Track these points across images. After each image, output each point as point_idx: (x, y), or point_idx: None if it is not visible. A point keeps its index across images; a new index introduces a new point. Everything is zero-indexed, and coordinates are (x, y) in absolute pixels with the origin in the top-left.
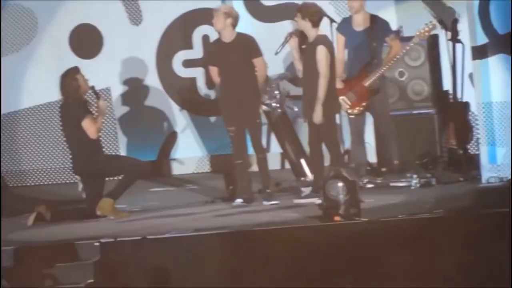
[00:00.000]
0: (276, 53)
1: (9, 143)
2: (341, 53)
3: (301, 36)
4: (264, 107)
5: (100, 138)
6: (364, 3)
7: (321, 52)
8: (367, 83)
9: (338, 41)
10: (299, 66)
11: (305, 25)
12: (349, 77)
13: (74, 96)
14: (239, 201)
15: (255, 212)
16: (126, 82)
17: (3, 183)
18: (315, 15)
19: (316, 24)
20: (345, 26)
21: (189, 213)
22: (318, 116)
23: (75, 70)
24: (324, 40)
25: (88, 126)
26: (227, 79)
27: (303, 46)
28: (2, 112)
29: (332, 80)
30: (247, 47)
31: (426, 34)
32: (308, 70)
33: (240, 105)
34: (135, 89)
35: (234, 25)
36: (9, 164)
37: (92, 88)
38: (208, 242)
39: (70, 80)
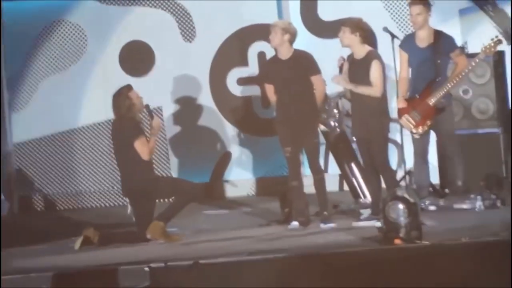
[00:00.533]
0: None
1: (56, 164)
2: (405, 71)
3: None
4: (322, 127)
5: (152, 159)
6: (428, 18)
7: (377, 67)
8: (432, 101)
9: (402, 58)
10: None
11: (354, 41)
12: (413, 96)
13: (127, 115)
14: (295, 224)
15: (312, 235)
16: (178, 101)
17: (52, 206)
18: (366, 30)
19: (365, 39)
20: (408, 42)
21: (243, 237)
22: (339, 80)
23: (128, 88)
24: (377, 55)
25: (141, 146)
26: (283, 98)
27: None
28: (49, 132)
29: (384, 98)
30: (305, 64)
31: (492, 50)
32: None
33: (297, 124)
34: (187, 108)
35: (291, 41)
36: (58, 186)
37: (147, 106)
38: (263, 266)
39: (123, 98)
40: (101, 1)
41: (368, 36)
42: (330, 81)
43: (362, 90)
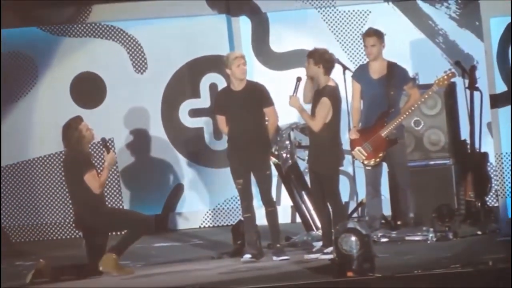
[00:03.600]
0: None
1: (10, 196)
2: (357, 102)
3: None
4: (273, 159)
5: (104, 192)
6: (381, 50)
7: (323, 104)
8: (384, 133)
9: (354, 89)
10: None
11: (317, 72)
12: (365, 127)
13: (77, 148)
14: (247, 256)
15: (265, 269)
16: (130, 132)
17: (6, 238)
18: (329, 62)
19: (328, 71)
20: (361, 73)
21: (194, 269)
22: (293, 101)
23: (77, 120)
24: (331, 93)
25: (91, 180)
26: (235, 129)
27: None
28: (4, 163)
29: (336, 132)
30: (258, 96)
31: (446, 82)
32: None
33: (249, 156)
34: (139, 140)
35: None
36: (11, 219)
37: (103, 139)
38: None
39: (72, 130)
40: (53, 33)
41: (331, 68)
42: (283, 112)
43: (304, 117)
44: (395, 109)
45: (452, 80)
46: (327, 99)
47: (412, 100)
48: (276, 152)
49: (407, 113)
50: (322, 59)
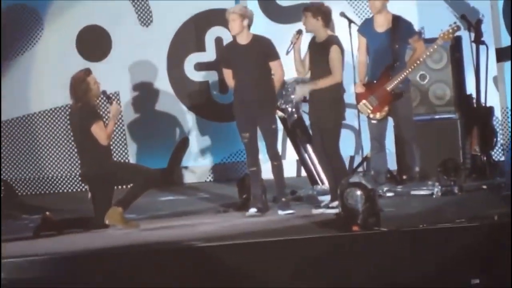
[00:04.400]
0: (287, 53)
1: (14, 150)
2: (364, 56)
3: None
4: (279, 113)
5: (110, 145)
6: (386, 3)
7: (336, 52)
8: (389, 86)
9: (360, 43)
10: (300, 68)
11: (316, 25)
12: (371, 81)
13: (84, 100)
14: (253, 210)
15: (270, 223)
16: (135, 86)
17: (11, 191)
18: (327, 14)
19: (327, 23)
20: (366, 27)
21: (200, 223)
22: (302, 91)
23: (86, 72)
24: (337, 41)
25: (98, 131)
26: (242, 83)
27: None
28: (6, 118)
29: (341, 84)
30: (264, 49)
31: (450, 36)
32: (317, 71)
33: (255, 110)
34: (145, 94)
35: (249, 26)
36: (17, 172)
37: (104, 92)
38: (221, 253)
39: (80, 82)
40: None
41: (330, 20)
42: (289, 65)
43: (323, 83)
44: (400, 62)
45: (458, 33)
46: (337, 47)
47: (417, 53)
48: (282, 106)
49: (412, 67)
50: (320, 12)
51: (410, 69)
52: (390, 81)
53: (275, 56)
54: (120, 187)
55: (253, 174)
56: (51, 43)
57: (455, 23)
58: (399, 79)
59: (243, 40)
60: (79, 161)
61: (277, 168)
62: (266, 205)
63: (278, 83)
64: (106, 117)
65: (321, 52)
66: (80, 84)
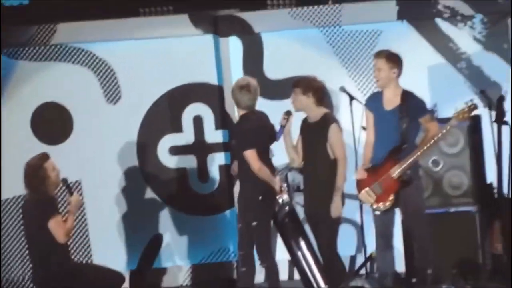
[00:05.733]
0: (277, 139)
1: None
2: (372, 135)
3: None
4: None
5: (69, 243)
6: (393, 77)
7: (336, 132)
8: (395, 172)
9: (368, 119)
10: (293, 155)
11: (307, 103)
12: (375, 165)
13: (41, 190)
14: None
15: None
16: (100, 173)
17: None
18: (319, 90)
19: (320, 100)
20: (374, 102)
21: None
22: (337, 209)
23: (43, 157)
24: (334, 118)
25: (56, 227)
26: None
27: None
28: None
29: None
30: (239, 136)
31: (466, 115)
32: (311, 157)
33: (243, 199)
34: (111, 183)
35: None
36: None
37: (64, 180)
38: None
39: (36, 170)
40: (10, 56)
41: (323, 97)
42: (280, 149)
43: (341, 178)
44: (409, 145)
45: (476, 112)
46: (336, 125)
47: (429, 135)
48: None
49: (422, 150)
50: (311, 87)
51: (419, 153)
52: (396, 166)
53: (243, 147)
54: None
55: (243, 275)
56: (3, 123)
57: (471, 100)
58: (406, 163)
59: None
60: (31, 263)
61: (268, 271)
62: None
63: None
64: (65, 209)
65: (316, 134)
66: (36, 172)
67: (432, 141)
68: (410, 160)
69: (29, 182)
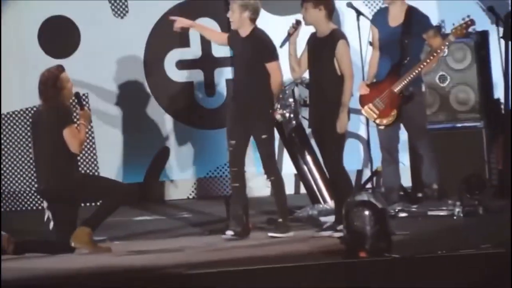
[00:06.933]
0: (281, 46)
1: None
2: (377, 51)
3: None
4: (278, 115)
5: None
6: None
7: (344, 48)
8: (396, 88)
9: (374, 35)
10: (295, 65)
11: (317, 16)
12: (377, 81)
13: (57, 100)
14: (229, 233)
15: (261, 247)
16: (107, 87)
17: None
18: (330, 4)
19: (330, 15)
20: (380, 18)
21: (181, 247)
22: (343, 124)
23: (58, 69)
24: (343, 35)
25: (71, 136)
26: (236, 80)
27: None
28: None
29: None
30: (258, 47)
31: (463, 31)
32: (318, 71)
33: (246, 114)
34: (118, 97)
35: (253, 19)
36: None
37: (77, 94)
38: (203, 282)
39: (52, 80)
40: None
41: (333, 11)
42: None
43: (347, 94)
44: (411, 60)
45: (485, 28)
46: (344, 41)
47: (432, 51)
48: (278, 112)
49: (422, 66)
50: (322, 1)
51: (419, 68)
52: (398, 81)
53: (270, 57)
54: (85, 205)
55: (235, 190)
56: (11, 38)
57: (468, 16)
58: (407, 79)
59: (243, 32)
60: (35, 173)
61: (273, 185)
62: (247, 228)
63: (276, 87)
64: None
65: (324, 49)
66: (53, 82)
67: (432, 57)
68: (411, 75)
69: (46, 91)
